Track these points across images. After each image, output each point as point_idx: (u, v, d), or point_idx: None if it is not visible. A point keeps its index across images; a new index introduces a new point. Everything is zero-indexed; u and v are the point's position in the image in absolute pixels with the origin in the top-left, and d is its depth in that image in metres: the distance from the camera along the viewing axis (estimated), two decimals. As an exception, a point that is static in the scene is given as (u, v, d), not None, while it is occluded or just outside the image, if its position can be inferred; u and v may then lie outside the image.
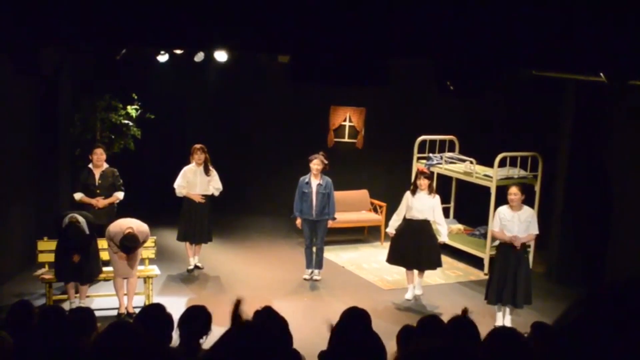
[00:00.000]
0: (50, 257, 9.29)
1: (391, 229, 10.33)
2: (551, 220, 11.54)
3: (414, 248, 10.05)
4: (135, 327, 4.63)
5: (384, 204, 13.38)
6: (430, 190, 10.15)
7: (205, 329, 4.72)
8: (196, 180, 10.91)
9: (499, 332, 3.97)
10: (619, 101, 10.46)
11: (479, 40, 6.17)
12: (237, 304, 4.25)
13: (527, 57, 6.68)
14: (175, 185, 10.91)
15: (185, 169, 10.95)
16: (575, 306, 1.62)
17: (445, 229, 10.26)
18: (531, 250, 11.06)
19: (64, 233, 8.95)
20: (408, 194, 10.21)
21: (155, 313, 4.85)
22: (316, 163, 10.75)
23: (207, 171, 10.91)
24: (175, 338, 4.71)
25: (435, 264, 10.23)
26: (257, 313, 4.79)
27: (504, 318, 9.24)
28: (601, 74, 6.91)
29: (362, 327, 4.57)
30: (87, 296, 9.45)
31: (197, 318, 4.81)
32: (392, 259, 10.34)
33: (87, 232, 9.03)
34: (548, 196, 11.65)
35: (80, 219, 9.01)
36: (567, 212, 11.40)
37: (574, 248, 11.27)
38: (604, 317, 1.52)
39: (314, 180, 10.83)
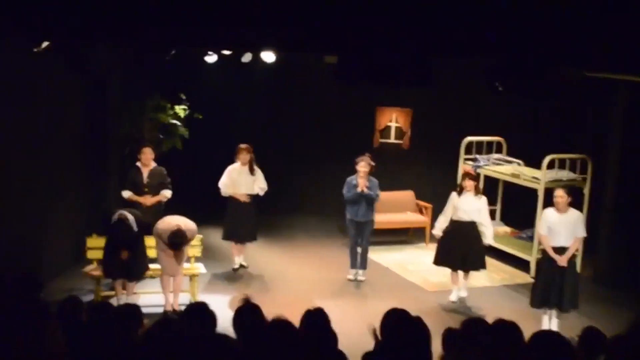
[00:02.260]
0: (99, 254, 9.44)
1: (438, 230, 10.27)
2: (600, 223, 11.35)
3: (460, 249, 9.99)
4: (181, 324, 4.69)
5: (429, 205, 13.30)
6: (477, 191, 10.07)
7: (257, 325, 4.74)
8: (241, 180, 10.97)
9: (542, 336, 3.92)
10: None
11: (529, 40, 6.10)
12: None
13: (578, 58, 6.58)
14: (221, 184, 10.99)
15: (230, 168, 11.02)
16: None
17: (490, 231, 10.15)
18: (579, 254, 10.89)
19: (113, 229, 9.09)
20: (454, 194, 10.15)
21: (199, 310, 4.91)
22: (363, 166, 10.71)
23: (251, 171, 10.96)
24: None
25: (480, 265, 10.15)
26: (308, 313, 4.81)
27: (550, 322, 9.13)
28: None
29: (405, 329, 4.55)
30: (134, 293, 9.59)
31: (249, 315, 4.85)
32: (439, 260, 10.28)
33: (135, 229, 9.16)
34: (597, 199, 11.46)
35: (129, 216, 9.15)
36: (616, 215, 11.20)
37: (623, 252, 11.07)
38: None
39: (362, 182, 10.79)
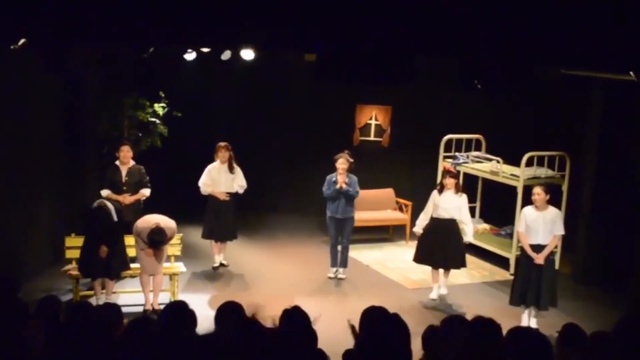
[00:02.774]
0: (78, 253, 9.36)
1: (418, 228, 10.29)
2: (578, 220, 11.43)
3: (440, 247, 10.02)
4: (159, 322, 4.67)
5: (409, 203, 13.33)
6: (457, 189, 10.10)
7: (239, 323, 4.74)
8: (220, 178, 10.95)
9: (518, 332, 3.94)
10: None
11: (507, 39, 6.13)
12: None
13: (556, 56, 6.62)
14: (200, 183, 10.95)
15: (210, 167, 10.99)
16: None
17: (471, 229, 10.20)
18: (557, 251, 10.97)
19: (92, 218, 9.04)
20: (435, 192, 10.19)
21: (178, 309, 4.89)
22: (342, 162, 10.73)
23: (231, 169, 10.94)
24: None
25: (460, 263, 10.19)
26: (285, 312, 4.81)
27: (529, 319, 9.18)
28: (631, 73, 6.84)
29: (384, 326, 4.56)
30: (114, 292, 9.53)
31: (232, 312, 4.84)
32: (419, 258, 10.30)
33: (115, 218, 9.13)
34: (575, 196, 11.54)
35: (109, 204, 9.14)
36: (594, 212, 11.28)
37: (601, 249, 11.16)
38: None
39: (341, 179, 10.79)
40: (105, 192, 10.36)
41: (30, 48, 7.17)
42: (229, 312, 4.86)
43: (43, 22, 6.12)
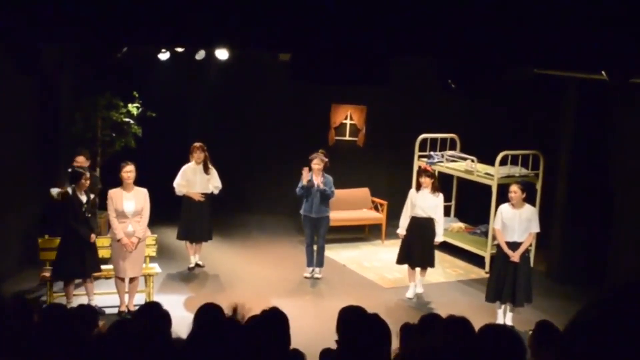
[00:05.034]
0: (51, 255, 9.26)
1: (402, 230, 10.27)
2: (552, 218, 11.53)
3: (419, 246, 10.06)
4: (136, 325, 4.63)
5: (385, 202, 13.36)
6: (434, 189, 10.11)
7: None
8: (196, 179, 10.91)
9: (489, 329, 3.96)
10: (620, 99, 10.44)
11: (480, 39, 6.16)
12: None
13: (529, 55, 6.66)
14: (175, 184, 10.90)
15: (185, 167, 10.94)
16: (589, 307, 1.61)
17: (441, 230, 10.21)
18: (532, 248, 11.05)
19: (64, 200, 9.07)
20: (412, 190, 10.25)
21: (152, 311, 4.86)
22: (316, 163, 10.72)
23: (206, 170, 10.90)
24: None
25: (432, 263, 10.24)
26: (264, 312, 4.79)
27: (504, 316, 9.24)
28: (603, 72, 6.91)
29: (362, 325, 4.56)
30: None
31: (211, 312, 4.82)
32: (400, 258, 10.32)
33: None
34: (550, 194, 11.64)
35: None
36: (568, 210, 11.38)
37: (576, 246, 11.25)
38: (620, 318, 1.51)
39: (315, 179, 10.79)
40: (55, 191, 10.32)
41: (2, 48, 7.11)
42: (208, 312, 4.83)
43: (14, 23, 6.06)
